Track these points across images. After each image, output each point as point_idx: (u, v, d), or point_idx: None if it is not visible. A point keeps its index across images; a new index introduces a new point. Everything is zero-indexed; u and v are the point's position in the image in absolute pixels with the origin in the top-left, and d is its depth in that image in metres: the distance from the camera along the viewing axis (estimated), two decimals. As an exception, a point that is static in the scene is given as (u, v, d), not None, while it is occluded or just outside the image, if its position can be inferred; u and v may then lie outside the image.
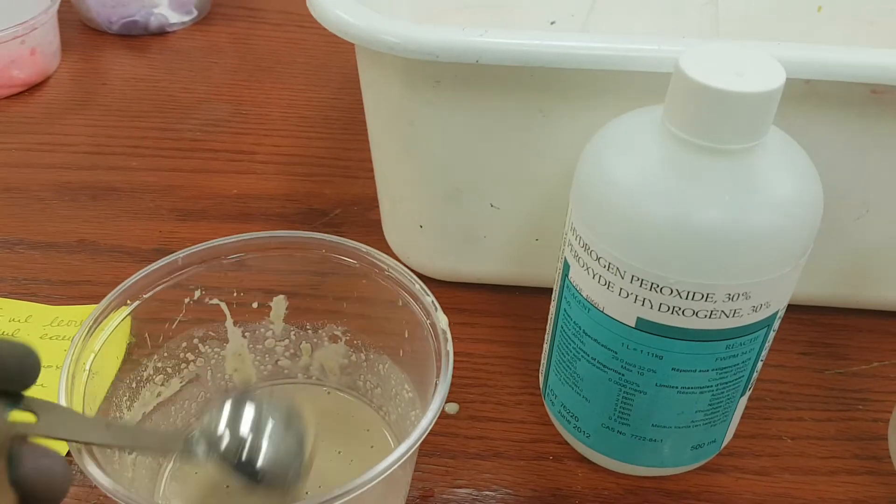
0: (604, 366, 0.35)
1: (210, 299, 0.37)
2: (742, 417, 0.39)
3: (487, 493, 0.38)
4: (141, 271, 0.35)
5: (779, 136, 0.32)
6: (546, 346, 0.40)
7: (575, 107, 0.39)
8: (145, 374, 0.37)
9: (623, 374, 0.34)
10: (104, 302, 0.34)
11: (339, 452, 0.38)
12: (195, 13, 0.73)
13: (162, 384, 0.37)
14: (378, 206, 0.51)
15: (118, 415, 0.35)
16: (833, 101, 0.37)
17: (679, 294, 0.31)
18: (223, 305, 0.38)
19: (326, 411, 0.40)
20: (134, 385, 0.36)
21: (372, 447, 0.38)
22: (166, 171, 0.56)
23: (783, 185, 0.31)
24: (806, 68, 0.35)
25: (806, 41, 0.51)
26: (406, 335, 0.36)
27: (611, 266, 0.32)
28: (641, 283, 0.31)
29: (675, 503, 0.38)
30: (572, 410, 0.38)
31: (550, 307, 0.39)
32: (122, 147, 0.58)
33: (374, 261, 0.36)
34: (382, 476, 0.28)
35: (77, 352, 0.32)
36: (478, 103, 0.39)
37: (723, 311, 0.31)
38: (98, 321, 0.33)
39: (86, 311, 0.46)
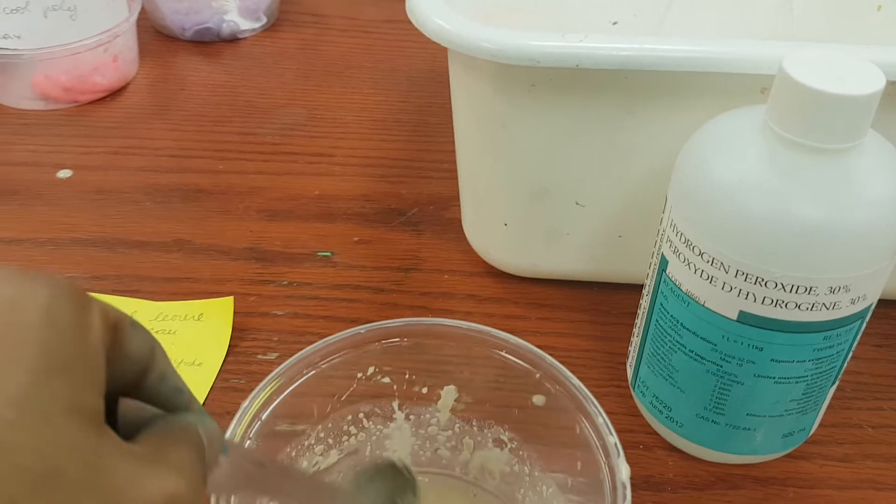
0: (702, 357, 0.36)
1: (382, 378, 0.37)
2: (827, 407, 0.41)
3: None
4: (318, 343, 0.34)
5: (875, 136, 0.33)
6: (636, 340, 0.41)
7: (666, 107, 0.40)
8: (307, 443, 0.36)
9: (721, 366, 0.36)
10: (276, 373, 0.33)
11: None
12: (264, 20, 0.75)
13: (321, 454, 0.37)
14: (454, 206, 0.53)
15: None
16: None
17: (783, 287, 0.32)
18: (394, 385, 0.37)
19: None
20: (293, 454, 0.36)
21: None
22: (250, 174, 0.59)
23: (883, 183, 0.32)
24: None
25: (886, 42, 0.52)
26: (578, 467, 0.33)
27: (714, 261, 0.33)
28: (746, 277, 0.33)
29: (764, 489, 0.40)
30: (665, 401, 0.39)
31: (642, 301, 0.40)
32: (207, 151, 0.61)
33: (556, 374, 0.34)
34: None
35: (247, 420, 0.32)
36: (570, 106, 0.41)
37: (823, 304, 0.33)
38: (269, 394, 0.33)
39: (189, 307, 0.48)
